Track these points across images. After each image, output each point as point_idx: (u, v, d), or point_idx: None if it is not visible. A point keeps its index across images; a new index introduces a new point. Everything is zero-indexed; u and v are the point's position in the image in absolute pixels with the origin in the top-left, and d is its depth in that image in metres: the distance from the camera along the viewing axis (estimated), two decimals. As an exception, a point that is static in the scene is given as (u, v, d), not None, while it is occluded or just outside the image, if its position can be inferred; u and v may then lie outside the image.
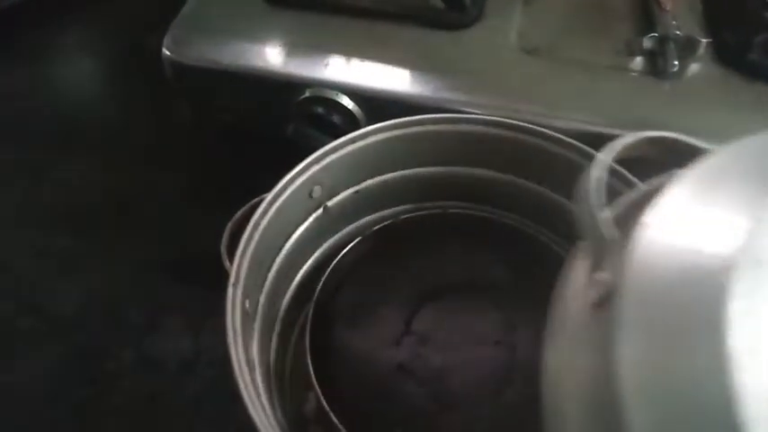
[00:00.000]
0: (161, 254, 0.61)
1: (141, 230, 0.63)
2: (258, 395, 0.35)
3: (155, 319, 0.57)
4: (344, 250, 0.45)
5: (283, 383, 0.45)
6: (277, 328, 0.43)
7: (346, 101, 0.52)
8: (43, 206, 0.66)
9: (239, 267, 0.35)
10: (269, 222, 0.38)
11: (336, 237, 0.47)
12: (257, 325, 0.38)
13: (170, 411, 0.51)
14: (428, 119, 0.44)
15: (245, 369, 0.32)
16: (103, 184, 0.67)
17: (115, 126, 0.73)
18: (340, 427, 0.37)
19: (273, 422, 0.34)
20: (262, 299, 0.40)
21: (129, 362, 0.54)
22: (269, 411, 0.35)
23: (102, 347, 0.55)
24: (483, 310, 0.43)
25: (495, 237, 0.47)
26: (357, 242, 0.46)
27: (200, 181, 0.66)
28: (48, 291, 0.59)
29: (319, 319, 0.44)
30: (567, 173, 0.43)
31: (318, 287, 0.43)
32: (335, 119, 0.53)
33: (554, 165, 0.43)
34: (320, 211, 0.44)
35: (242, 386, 0.31)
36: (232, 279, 0.34)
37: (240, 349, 0.33)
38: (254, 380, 0.34)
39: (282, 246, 0.42)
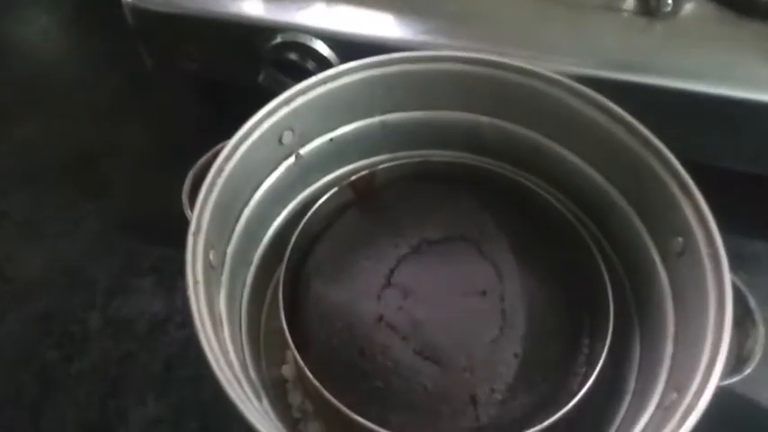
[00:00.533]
0: (128, 213, 0.58)
1: (107, 189, 0.60)
2: (225, 353, 0.32)
3: (123, 281, 0.54)
4: (319, 202, 0.42)
5: (258, 344, 0.43)
6: (249, 283, 0.41)
7: (321, 46, 0.49)
8: (2, 166, 0.62)
9: (200, 215, 0.32)
10: (234, 168, 0.35)
11: (311, 188, 0.44)
12: (225, 279, 0.36)
13: (141, 374, 0.49)
14: (406, 57, 0.40)
15: (209, 323, 0.29)
16: (66, 143, 0.63)
17: (76, 81, 0.69)
18: (317, 384, 0.35)
19: (242, 378, 0.32)
20: (230, 251, 0.37)
21: (96, 325, 0.51)
22: (238, 370, 0.32)
23: (68, 311, 0.52)
24: (468, 261, 0.41)
25: (480, 185, 0.44)
26: (333, 193, 0.43)
27: (168, 135, 0.63)
28: (10, 253, 0.56)
29: (294, 275, 0.42)
30: (557, 114, 0.40)
31: (292, 240, 0.40)
32: (309, 65, 0.49)
33: (543, 105, 0.40)
34: (292, 159, 0.41)
35: (203, 340, 0.28)
36: (192, 227, 0.32)
37: (203, 302, 0.30)
38: (219, 337, 0.32)
39: (252, 195, 0.39)
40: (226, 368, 0.28)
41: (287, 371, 0.45)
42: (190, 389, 0.48)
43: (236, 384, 0.28)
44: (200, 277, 0.30)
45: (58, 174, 0.61)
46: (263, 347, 0.43)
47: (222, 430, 0.46)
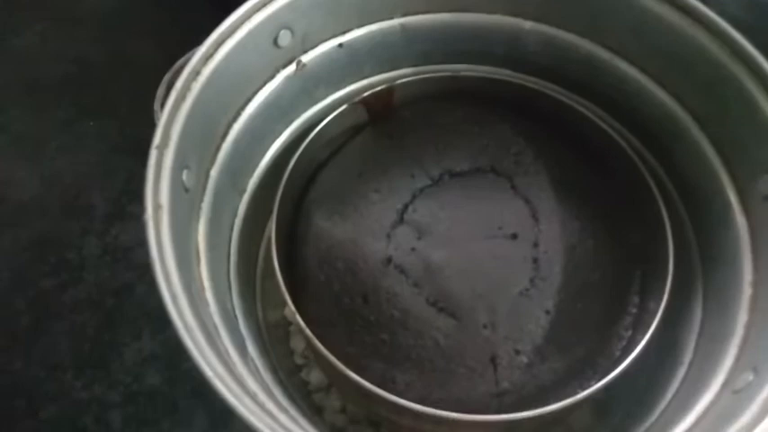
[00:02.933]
0: (133, 135, 0.54)
1: (108, 107, 0.55)
2: (201, 289, 0.27)
3: (122, 206, 0.50)
4: (325, 120, 0.36)
5: (254, 283, 0.38)
6: (242, 213, 0.35)
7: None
8: (1, 78, 0.57)
9: (169, 125, 0.27)
10: (216, 71, 0.29)
11: (318, 106, 0.38)
12: (207, 205, 0.30)
13: (138, 308, 0.46)
14: (435, -60, 0.32)
15: (171, 257, 0.24)
16: (70, 56, 0.58)
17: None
18: (310, 335, 0.30)
19: (218, 322, 0.27)
20: (214, 173, 0.31)
21: (93, 252, 0.48)
22: (214, 310, 0.28)
23: (64, 236, 0.49)
24: (497, 197, 0.34)
25: (517, 107, 0.37)
26: (343, 112, 0.36)
27: (173, 48, 0.56)
28: (6, 171, 0.52)
29: (294, 206, 0.36)
30: (621, 17, 0.32)
31: (290, 165, 0.34)
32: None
33: (604, 6, 0.32)
34: (292, 67, 0.35)
35: (160, 277, 0.23)
36: (157, 139, 0.26)
37: (166, 232, 0.25)
38: (191, 273, 0.27)
39: (243, 108, 0.33)
40: (188, 312, 0.23)
41: (290, 312, 0.40)
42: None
43: (198, 332, 0.23)
44: (164, 200, 0.25)
45: (58, 87, 0.57)
46: (259, 287, 0.38)
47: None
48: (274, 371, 0.35)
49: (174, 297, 0.23)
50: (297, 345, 0.41)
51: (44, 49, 0.59)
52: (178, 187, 0.27)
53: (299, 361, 0.41)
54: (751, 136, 0.29)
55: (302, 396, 0.39)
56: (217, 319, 0.27)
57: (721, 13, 0.30)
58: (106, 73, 0.58)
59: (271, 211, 0.39)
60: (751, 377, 0.23)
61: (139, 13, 0.61)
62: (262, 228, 0.38)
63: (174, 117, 0.27)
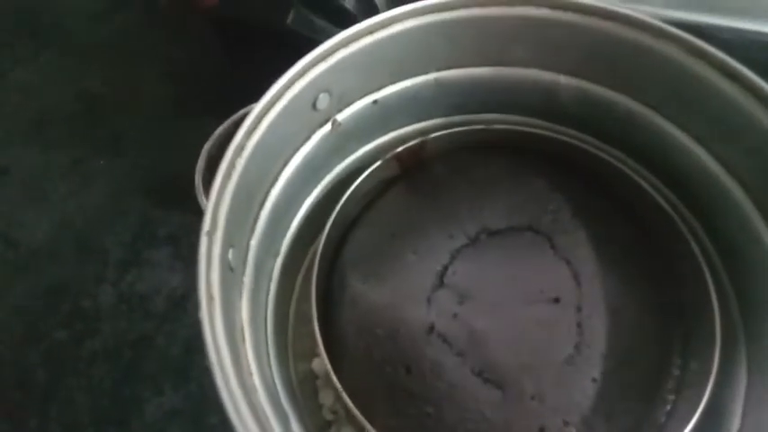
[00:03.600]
0: (144, 174, 0.52)
1: (121, 145, 0.54)
2: (249, 375, 0.27)
3: (137, 251, 0.49)
4: (360, 178, 0.35)
5: (286, 335, 0.37)
6: (277, 276, 0.34)
7: (362, -21, 0.40)
8: (5, 114, 0.56)
9: (217, 208, 0.26)
10: (259, 143, 0.28)
11: (349, 160, 0.37)
12: (248, 280, 0.29)
13: (158, 359, 0.44)
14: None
15: (227, 352, 0.23)
16: (77, 89, 0.57)
17: (84, 14, 0.61)
18: (352, 407, 0.29)
19: (268, 410, 0.26)
20: (254, 243, 0.30)
21: (108, 301, 0.47)
22: (262, 396, 0.27)
23: (78, 284, 0.47)
24: (537, 258, 0.34)
25: (554, 162, 0.37)
26: (376, 168, 0.36)
27: (189, 86, 0.55)
28: (14, 216, 0.51)
29: (327, 267, 0.36)
30: (665, 77, 0.32)
31: (327, 226, 0.33)
32: (347, 2, 0.41)
33: (648, 66, 0.32)
34: (328, 126, 0.34)
35: (220, 380, 0.22)
36: (206, 226, 0.25)
37: (220, 325, 0.24)
38: (240, 357, 0.26)
39: (279, 173, 0.32)
40: (248, 417, 0.22)
41: (318, 366, 0.39)
42: (211, 377, 0.43)
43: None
44: (216, 291, 0.24)
45: (64, 125, 0.55)
46: (291, 338, 0.37)
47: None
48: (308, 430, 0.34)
49: (236, 406, 0.22)
50: (325, 399, 0.40)
51: (49, 81, 0.57)
52: (226, 270, 0.26)
53: (328, 416, 0.40)
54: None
55: (334, 455, 0.38)
56: (267, 408, 0.26)
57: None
58: (113, 107, 0.56)
59: (300, 268, 0.38)
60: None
61: (146, 47, 0.59)
62: (292, 284, 0.37)
63: (221, 198, 0.26)
